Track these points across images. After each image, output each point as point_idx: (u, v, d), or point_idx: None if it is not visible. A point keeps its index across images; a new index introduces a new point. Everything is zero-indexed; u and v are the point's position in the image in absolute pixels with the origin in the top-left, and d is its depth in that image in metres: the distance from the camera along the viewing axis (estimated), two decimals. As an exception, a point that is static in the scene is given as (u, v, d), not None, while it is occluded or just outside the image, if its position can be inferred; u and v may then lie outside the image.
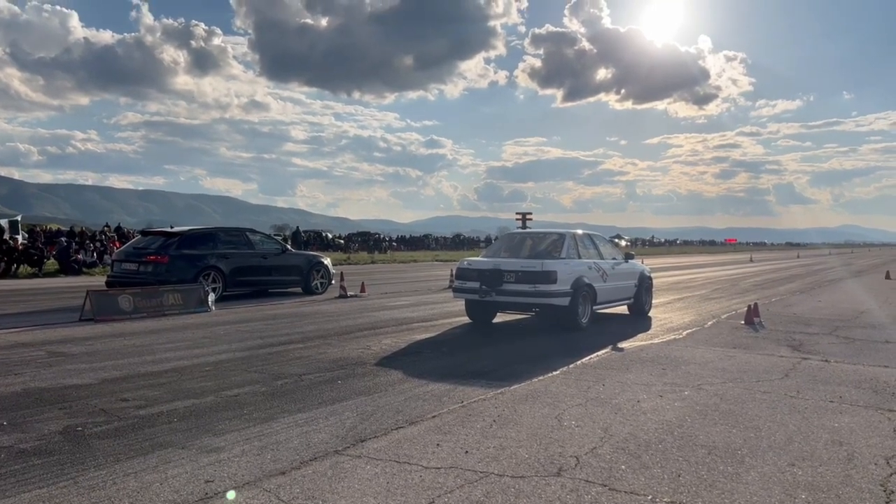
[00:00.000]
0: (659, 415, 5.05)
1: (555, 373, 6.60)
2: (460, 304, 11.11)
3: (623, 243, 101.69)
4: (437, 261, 38.97)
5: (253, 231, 15.59)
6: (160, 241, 13.45)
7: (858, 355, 7.80)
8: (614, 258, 11.13)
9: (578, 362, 7.19)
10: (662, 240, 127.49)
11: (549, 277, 9.16)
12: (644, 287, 11.70)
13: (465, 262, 10.18)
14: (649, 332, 9.81)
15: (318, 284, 15.67)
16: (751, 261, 45.18)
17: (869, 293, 17.07)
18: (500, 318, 10.98)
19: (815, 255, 66.53)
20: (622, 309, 11.80)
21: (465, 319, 10.67)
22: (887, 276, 23.32)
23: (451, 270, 12.84)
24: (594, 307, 10.08)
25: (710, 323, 10.72)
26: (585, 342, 8.59)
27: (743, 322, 10.50)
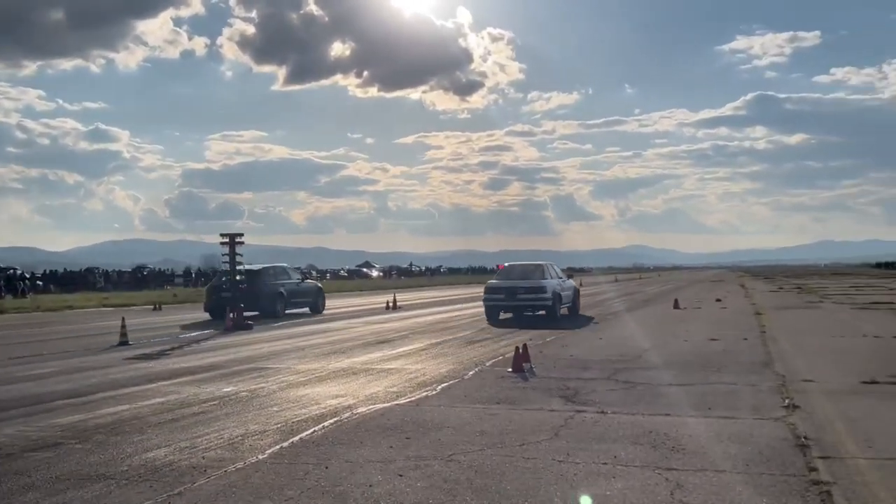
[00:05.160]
0: (395, 500, 5.14)
1: (261, 457, 6.45)
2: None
3: (374, 273, 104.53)
4: (105, 306, 34.61)
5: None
6: None
7: (638, 403, 8.75)
8: (562, 278, 24.20)
9: (296, 439, 7.13)
10: (423, 267, 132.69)
11: (542, 290, 21.86)
12: (576, 295, 25.49)
13: (493, 282, 23.35)
14: (394, 389, 10.02)
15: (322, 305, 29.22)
16: (527, 292, 48.88)
17: (655, 327, 19.40)
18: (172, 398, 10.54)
19: (598, 282, 73.90)
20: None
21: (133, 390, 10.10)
22: (676, 306, 26.70)
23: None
24: (562, 306, 22.88)
25: (471, 373, 11.34)
26: (307, 408, 8.53)
27: (510, 369, 11.26)
